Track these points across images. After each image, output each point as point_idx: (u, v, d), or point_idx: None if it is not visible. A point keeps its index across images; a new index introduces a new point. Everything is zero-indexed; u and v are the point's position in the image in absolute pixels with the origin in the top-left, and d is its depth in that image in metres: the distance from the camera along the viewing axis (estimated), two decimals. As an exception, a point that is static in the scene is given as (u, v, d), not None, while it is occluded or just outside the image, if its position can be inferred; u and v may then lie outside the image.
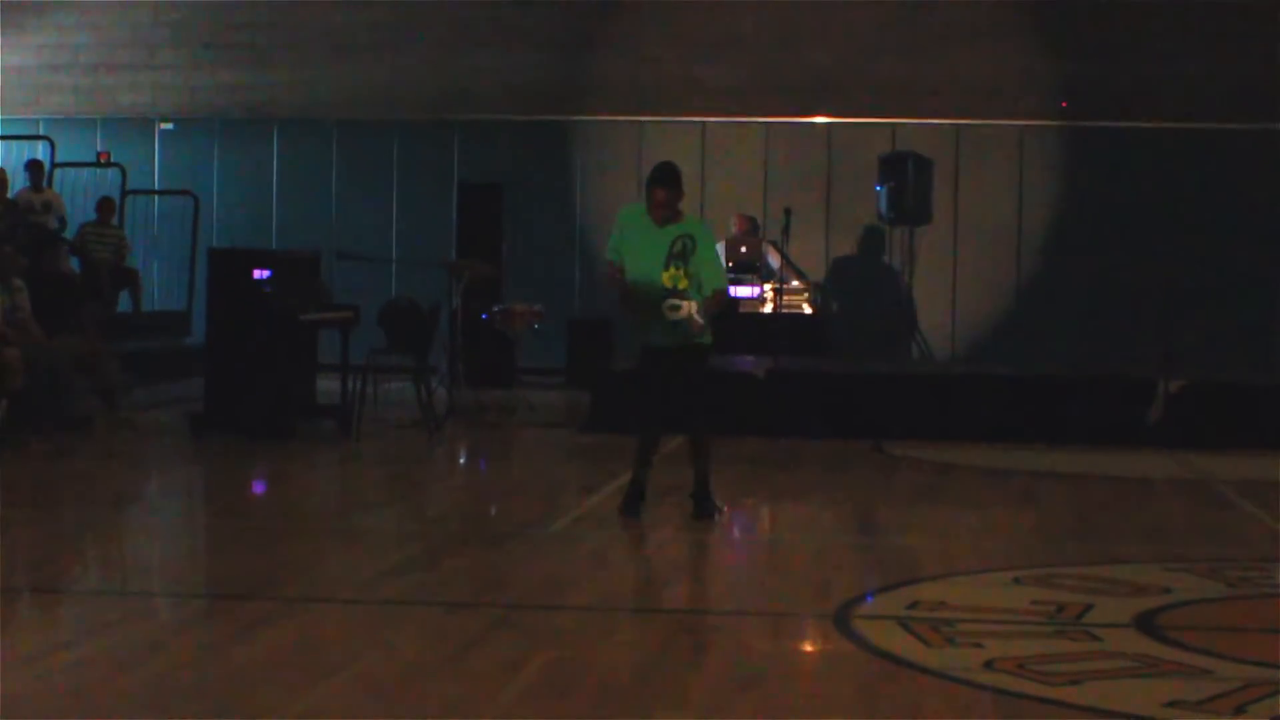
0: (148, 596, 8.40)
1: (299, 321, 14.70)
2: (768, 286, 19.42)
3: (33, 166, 19.01)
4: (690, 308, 9.98)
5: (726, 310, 10.56)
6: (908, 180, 20.81)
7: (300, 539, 10.08)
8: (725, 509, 10.54)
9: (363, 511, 11.47)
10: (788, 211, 18.41)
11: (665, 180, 10.15)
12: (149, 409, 16.18)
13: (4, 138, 21.39)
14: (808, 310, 20.06)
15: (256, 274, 14.61)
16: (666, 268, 10.06)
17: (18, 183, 18.73)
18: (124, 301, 19.45)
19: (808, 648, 7.55)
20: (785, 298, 19.27)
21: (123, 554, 9.94)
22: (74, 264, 18.52)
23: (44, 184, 18.94)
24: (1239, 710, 6.21)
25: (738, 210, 20.39)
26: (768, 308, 19.37)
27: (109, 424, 14.48)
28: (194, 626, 7.56)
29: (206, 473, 13.50)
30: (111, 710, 5.96)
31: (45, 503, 11.36)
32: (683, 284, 10.04)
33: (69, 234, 18.90)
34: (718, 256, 10.70)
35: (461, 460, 14.68)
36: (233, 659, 6.76)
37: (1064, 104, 21.40)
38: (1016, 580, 8.80)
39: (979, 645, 7.17)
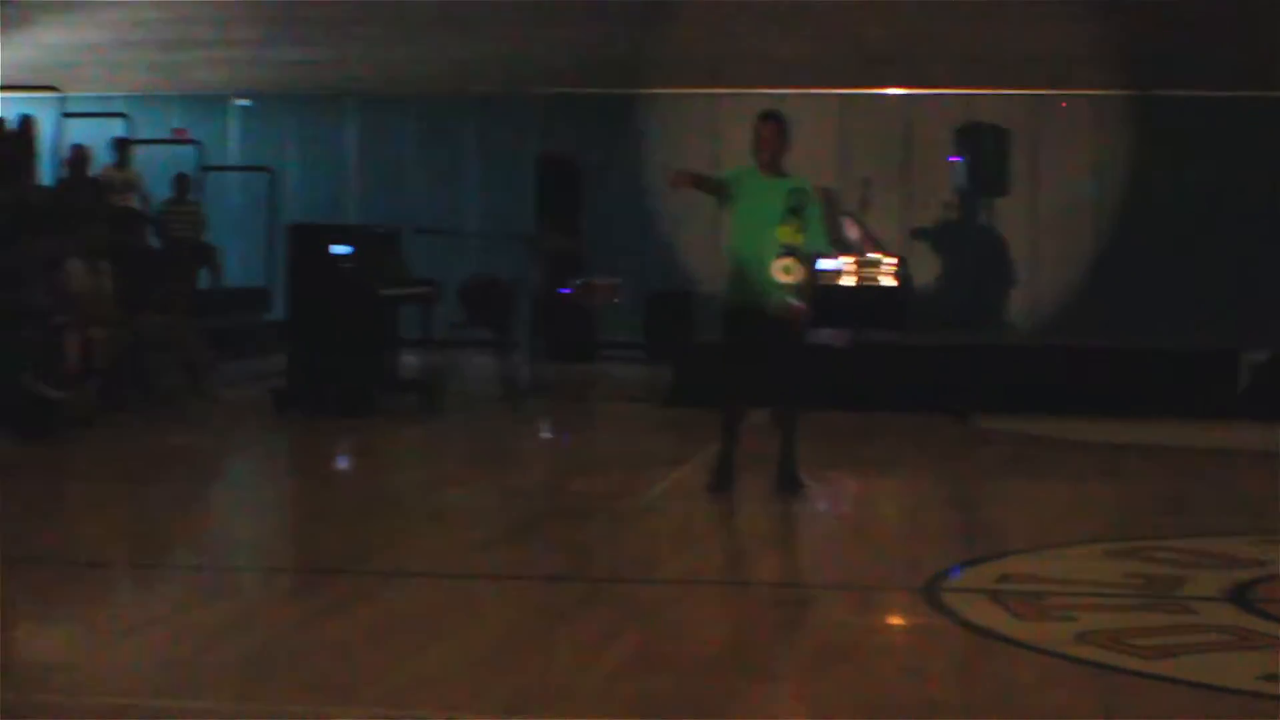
0: (240, 571, 8.45)
1: (379, 297, 14.75)
2: (849, 259, 19.34)
3: (118, 143, 19.11)
4: (800, 273, 9.82)
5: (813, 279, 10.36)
6: (985, 151, 20.68)
7: (388, 515, 10.11)
8: (809, 484, 10.47)
9: (449, 487, 11.50)
10: (866, 182, 18.35)
11: (774, 116, 10.06)
12: (232, 385, 16.28)
13: (82, 115, 21.53)
14: (889, 283, 19.95)
15: (336, 249, 14.66)
16: (783, 222, 9.88)
17: (100, 160, 18.85)
18: (203, 278, 19.57)
19: (898, 621, 7.52)
20: (867, 270, 19.19)
21: (213, 529, 10.00)
22: (154, 241, 18.65)
23: (127, 161, 19.04)
24: (1337, 683, 6.16)
25: (815, 183, 20.28)
26: (849, 280, 19.29)
27: (195, 401, 14.56)
28: (286, 601, 7.60)
29: (292, 448, 13.58)
30: (208, 683, 6.00)
31: (136, 479, 11.47)
32: (799, 240, 9.89)
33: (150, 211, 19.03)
34: (825, 217, 10.50)
35: (545, 435, 14.70)
36: (327, 633, 6.79)
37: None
38: (1107, 553, 8.75)
39: (1071, 618, 7.13)
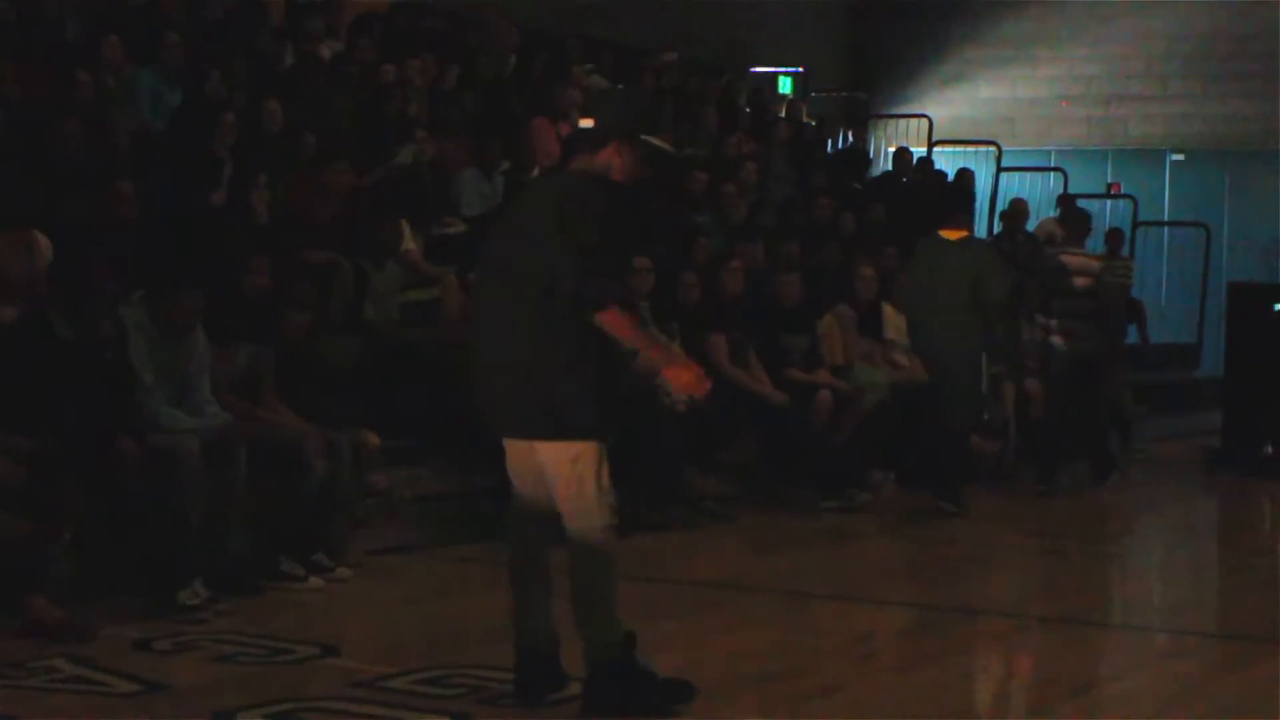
0: (1177, 635, 8.25)
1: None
2: None
3: (1063, 200, 19.23)
4: None
5: None
6: None
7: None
8: None
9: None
10: None
11: None
12: (1159, 441, 16.05)
13: (1018, 169, 21.88)
14: None
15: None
16: None
17: (1037, 213, 19.04)
18: (1130, 334, 19.38)
19: None
20: None
21: (1144, 589, 9.85)
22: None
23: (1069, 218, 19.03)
24: None
25: None
26: None
27: (1122, 456, 14.42)
28: (1230, 669, 7.33)
29: (1221, 509, 13.23)
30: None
31: (1055, 533, 11.50)
32: None
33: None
34: None
35: None
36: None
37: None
38: None
39: None
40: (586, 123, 6.07)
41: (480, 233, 6.09)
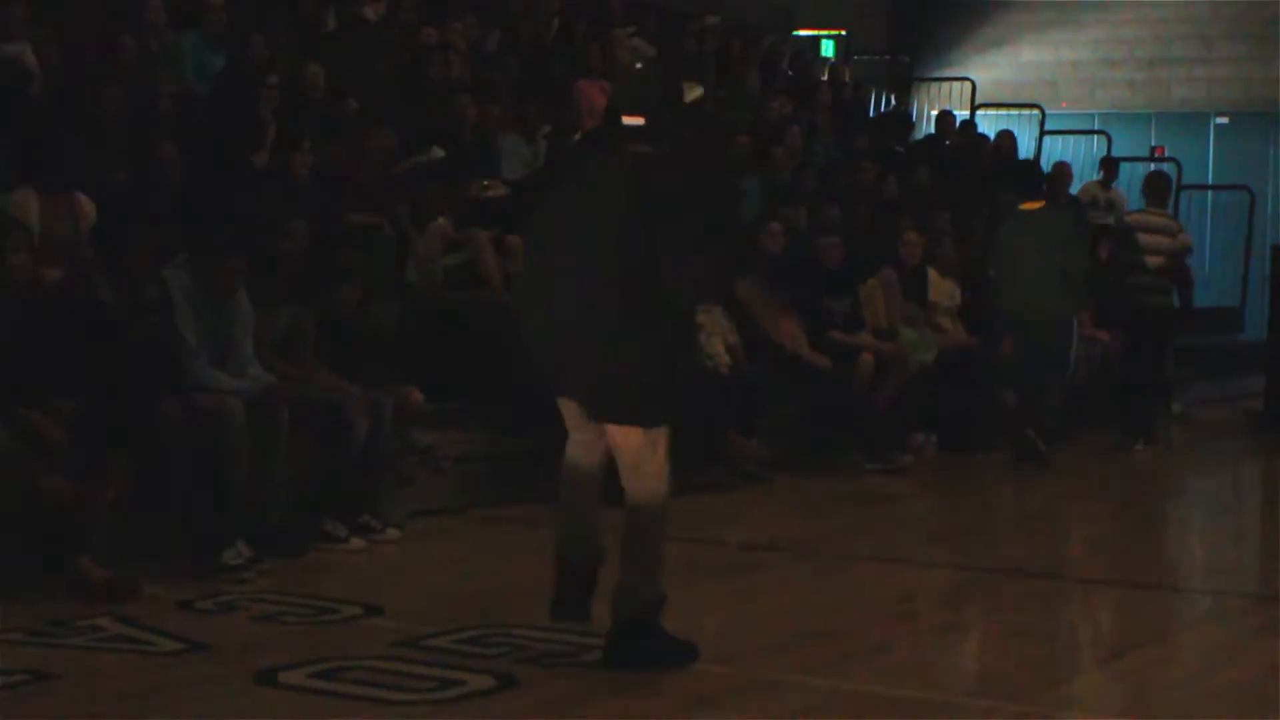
0: (1219, 596, 8.21)
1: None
2: None
3: (1105, 163, 19.14)
4: None
5: None
6: None
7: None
8: None
9: None
10: None
11: None
12: (1204, 404, 15.98)
13: (1062, 132, 21.78)
14: None
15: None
16: None
17: (1080, 177, 18.94)
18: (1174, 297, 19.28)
19: None
20: None
21: (1185, 551, 9.83)
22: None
23: (1112, 182, 18.98)
24: None
25: None
26: None
27: (1169, 420, 14.36)
28: (1273, 632, 7.29)
29: (1265, 471, 13.18)
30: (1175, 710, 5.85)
31: (1103, 495, 11.48)
32: None
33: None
34: None
35: None
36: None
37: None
38: None
39: None
40: (634, 120, 6.08)
41: (532, 197, 6.07)
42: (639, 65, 12.78)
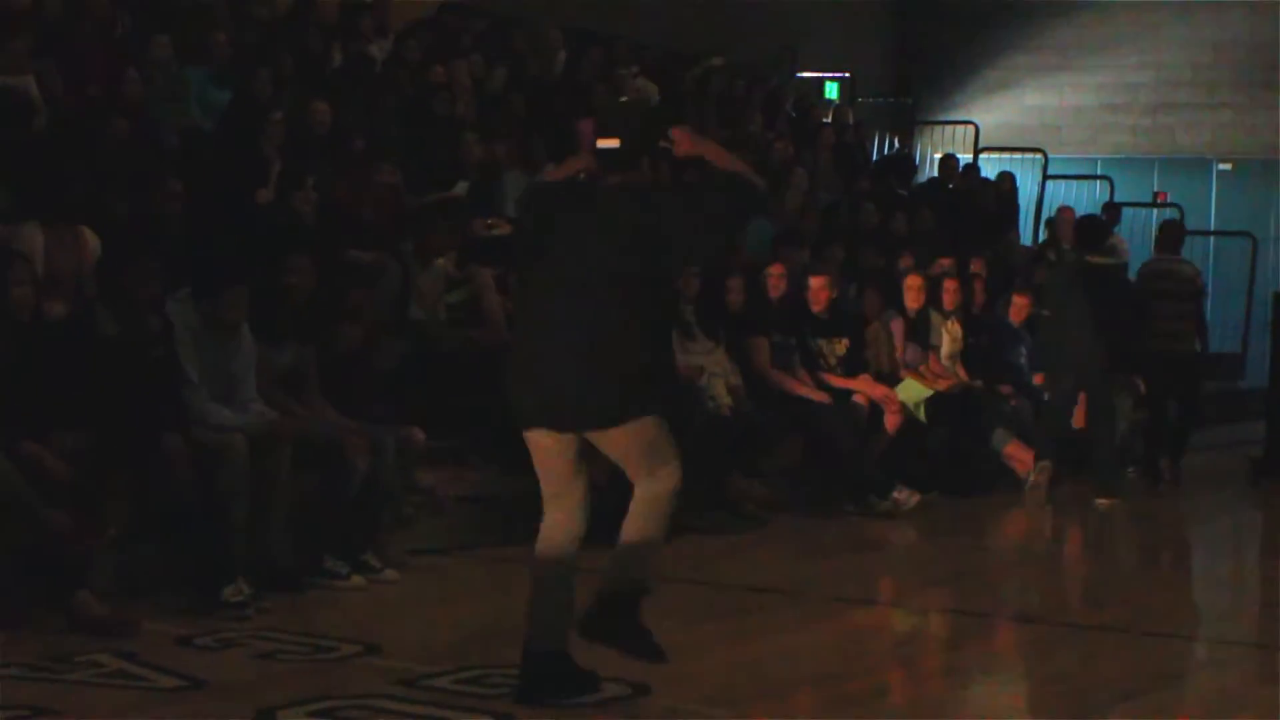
0: (1218, 644, 8.20)
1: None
2: None
3: (1108, 208, 19.14)
4: None
5: None
6: None
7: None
8: None
9: None
10: None
11: None
12: (1202, 451, 15.95)
13: (1064, 177, 21.83)
14: None
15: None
16: None
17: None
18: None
19: None
20: None
21: (1184, 597, 9.82)
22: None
23: (1115, 227, 18.95)
24: None
25: None
26: None
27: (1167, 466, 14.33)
28: (1272, 681, 7.28)
29: (1267, 517, 13.16)
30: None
31: (1095, 544, 11.48)
32: None
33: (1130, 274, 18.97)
34: None
35: None
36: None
37: None
38: None
39: None
40: (609, 143, 6.10)
41: (526, 233, 6.11)
42: (623, 99, 12.94)
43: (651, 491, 6.00)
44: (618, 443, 5.97)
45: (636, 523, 6.01)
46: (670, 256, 6.00)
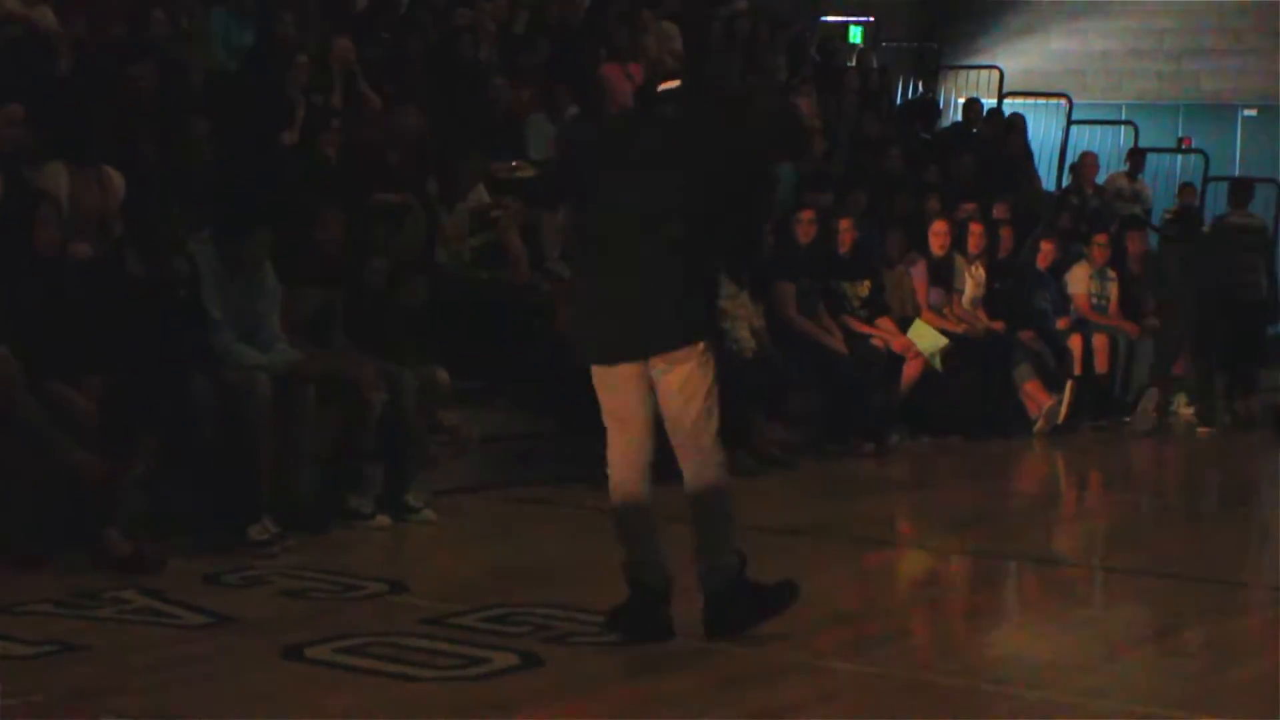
0: (1240, 587, 8.20)
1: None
2: None
3: (1133, 154, 19.10)
4: None
5: None
6: None
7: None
8: None
9: None
10: None
11: None
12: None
13: (1089, 122, 21.70)
14: None
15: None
16: None
17: (1107, 167, 18.92)
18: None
19: None
20: None
21: (1207, 541, 9.83)
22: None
23: (1139, 173, 18.94)
24: None
25: None
26: None
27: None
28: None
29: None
30: (1229, 701, 5.85)
31: (1123, 486, 11.46)
32: None
33: (1154, 220, 18.92)
34: None
35: None
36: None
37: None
38: None
39: None
40: (671, 85, 6.28)
41: (568, 172, 6.32)
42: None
43: (703, 482, 6.11)
44: (679, 375, 6.04)
45: (704, 516, 6.14)
46: (711, 181, 6.08)
